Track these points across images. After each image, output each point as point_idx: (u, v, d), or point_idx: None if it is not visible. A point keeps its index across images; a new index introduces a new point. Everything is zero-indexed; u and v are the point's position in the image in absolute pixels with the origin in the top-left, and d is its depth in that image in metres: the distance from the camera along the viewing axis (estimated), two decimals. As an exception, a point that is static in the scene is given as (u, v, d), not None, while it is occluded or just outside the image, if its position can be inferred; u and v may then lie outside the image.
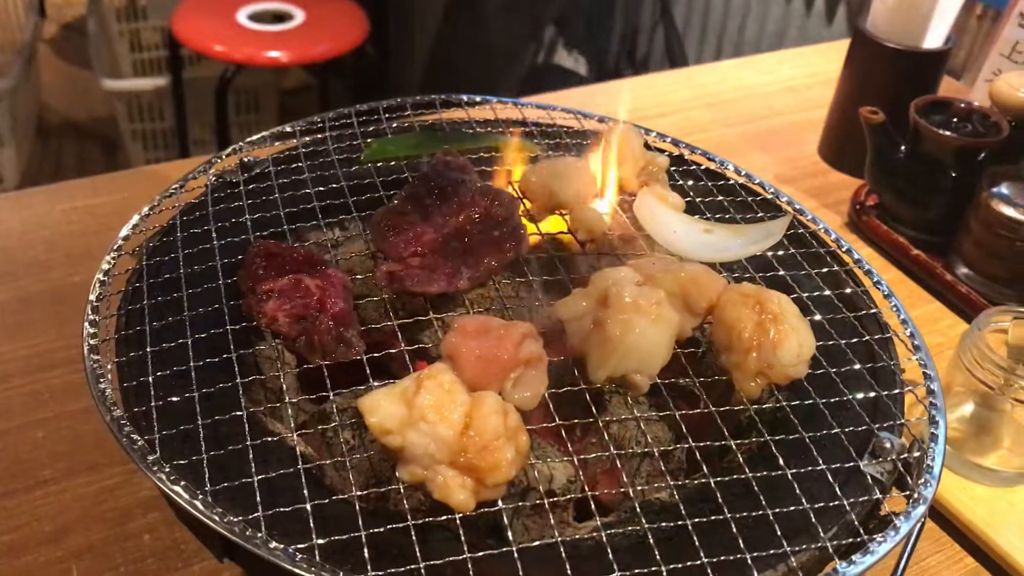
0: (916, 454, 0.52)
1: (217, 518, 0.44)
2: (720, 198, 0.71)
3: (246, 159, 0.68)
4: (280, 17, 2.28)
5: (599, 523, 0.47)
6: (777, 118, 1.28)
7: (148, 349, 0.54)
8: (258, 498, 0.45)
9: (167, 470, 0.46)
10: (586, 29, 2.09)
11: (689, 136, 1.26)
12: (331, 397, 0.53)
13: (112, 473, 0.71)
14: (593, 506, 0.49)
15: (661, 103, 1.31)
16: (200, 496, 0.45)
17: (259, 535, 0.44)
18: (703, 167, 0.75)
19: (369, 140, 0.72)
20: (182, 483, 0.46)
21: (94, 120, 2.83)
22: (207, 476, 0.46)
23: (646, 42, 2.13)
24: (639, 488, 0.54)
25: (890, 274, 1.01)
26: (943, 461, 0.52)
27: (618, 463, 0.51)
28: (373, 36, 2.29)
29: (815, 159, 1.20)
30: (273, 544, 0.43)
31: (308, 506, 0.45)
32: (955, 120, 0.99)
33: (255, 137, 0.71)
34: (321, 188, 0.66)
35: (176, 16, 2.20)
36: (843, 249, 0.67)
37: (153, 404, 0.50)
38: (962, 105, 1.00)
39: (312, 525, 0.44)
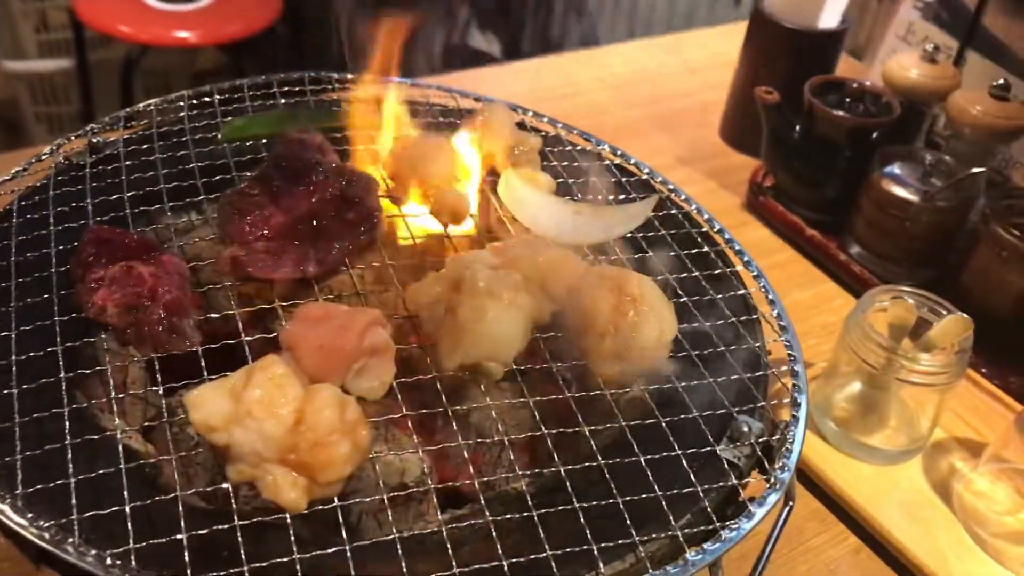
0: (777, 437, 0.51)
1: (26, 523, 0.41)
2: (594, 179, 0.69)
3: (96, 140, 0.65)
4: (189, -4, 2.21)
5: (440, 517, 0.45)
6: (680, 100, 1.28)
7: (-34, 343, 0.50)
8: (73, 500, 0.43)
9: (-27, 472, 0.43)
10: (500, 9, 2.07)
11: (592, 118, 1.25)
12: (178, 391, 0.50)
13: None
14: (444, 498, 0.47)
15: (567, 84, 1.29)
16: (9, 500, 0.42)
17: (70, 540, 0.41)
18: (579, 147, 0.73)
19: (228, 119, 0.68)
20: (-10, 486, 0.43)
21: (-6, 102, 2.71)
22: (19, 478, 0.43)
23: (560, 23, 2.11)
24: (493, 478, 0.52)
25: (787, 254, 1.01)
26: (803, 443, 0.51)
27: (468, 453, 0.49)
28: (287, 15, 2.23)
29: (716, 140, 1.19)
30: (83, 549, 0.40)
31: (127, 508, 0.43)
32: (848, 100, 0.99)
33: (107, 117, 0.67)
34: (172, 170, 0.63)
35: (79, -6, 2.11)
36: (715, 230, 0.66)
37: (-35, 403, 0.47)
38: (855, 85, 1.00)
39: (130, 528, 0.42)
